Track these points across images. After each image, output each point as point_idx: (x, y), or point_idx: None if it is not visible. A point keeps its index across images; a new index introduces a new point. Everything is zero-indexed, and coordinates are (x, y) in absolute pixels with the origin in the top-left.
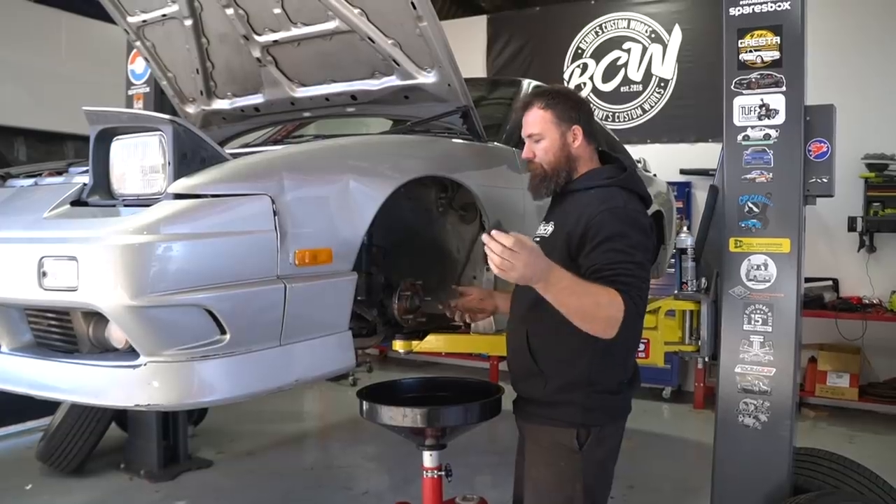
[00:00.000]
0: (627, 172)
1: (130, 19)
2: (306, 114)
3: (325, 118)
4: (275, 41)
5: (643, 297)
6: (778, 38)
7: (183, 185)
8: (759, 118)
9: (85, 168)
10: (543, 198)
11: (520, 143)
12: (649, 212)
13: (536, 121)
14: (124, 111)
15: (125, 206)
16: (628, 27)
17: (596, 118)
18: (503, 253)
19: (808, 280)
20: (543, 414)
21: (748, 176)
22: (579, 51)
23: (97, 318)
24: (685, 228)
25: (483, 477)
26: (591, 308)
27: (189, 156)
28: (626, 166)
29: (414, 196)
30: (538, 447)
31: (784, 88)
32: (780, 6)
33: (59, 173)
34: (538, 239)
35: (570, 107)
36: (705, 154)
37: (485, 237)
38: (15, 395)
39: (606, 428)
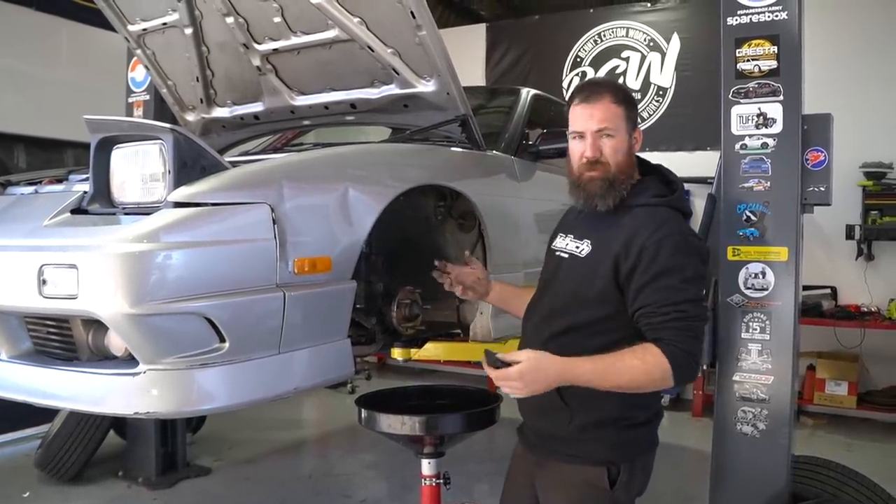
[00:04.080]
0: (678, 192)
1: (131, 27)
2: (306, 122)
3: (325, 126)
4: (274, 50)
5: (698, 336)
6: (775, 48)
7: (183, 193)
8: (757, 127)
9: (85, 176)
10: (606, 208)
11: (518, 152)
12: None
13: (610, 115)
14: (125, 120)
15: (125, 214)
16: (627, 36)
17: None
18: (501, 384)
19: (806, 288)
20: (567, 451)
21: (746, 184)
22: (578, 59)
23: (97, 325)
24: None
25: (481, 485)
26: (627, 384)
27: (189, 164)
28: (671, 180)
29: (413, 204)
30: (562, 485)
31: (781, 98)
32: (777, 16)
33: (60, 181)
34: (566, 255)
35: (635, 108)
36: (703, 162)
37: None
38: (13, 402)
39: (638, 462)
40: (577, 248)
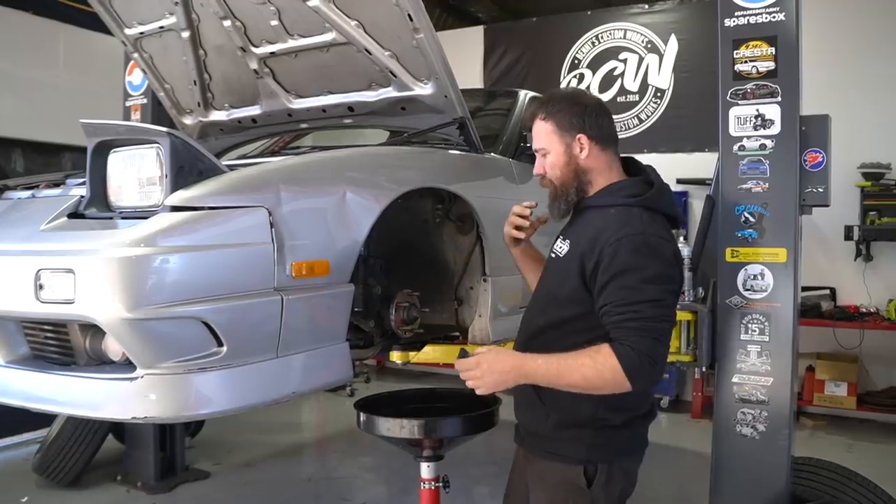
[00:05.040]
0: (654, 189)
1: (128, 31)
2: (303, 125)
3: (322, 130)
4: (272, 53)
5: (657, 336)
6: (773, 49)
7: (180, 197)
8: (755, 128)
9: (82, 180)
10: (560, 217)
11: (517, 154)
12: None
13: (540, 133)
14: (121, 123)
15: (122, 218)
16: (624, 37)
17: None
18: (464, 376)
19: (805, 289)
20: (546, 448)
21: (744, 186)
22: (576, 61)
23: (94, 330)
24: (682, 238)
25: (481, 488)
26: (581, 383)
27: (186, 168)
28: (653, 181)
29: (411, 207)
30: (543, 482)
31: (779, 99)
32: (774, 17)
33: (57, 185)
34: (553, 256)
35: (573, 113)
36: (702, 164)
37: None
38: (11, 407)
39: (617, 463)
40: (560, 248)
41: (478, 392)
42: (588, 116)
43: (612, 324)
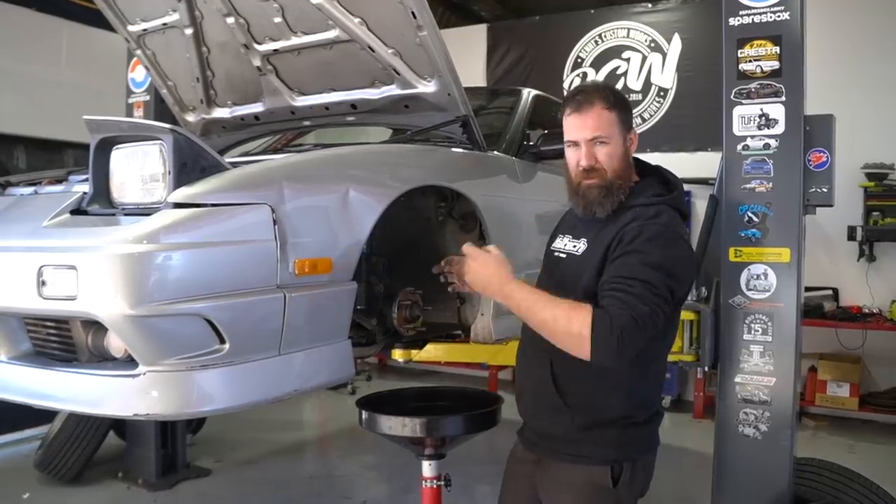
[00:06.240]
0: (677, 191)
1: (131, 28)
2: (306, 123)
3: (325, 127)
4: (275, 50)
5: (639, 318)
6: (777, 48)
7: (183, 194)
8: (759, 128)
9: (85, 177)
10: (602, 215)
11: (520, 152)
12: None
13: (603, 122)
14: (124, 120)
15: (125, 214)
16: (628, 36)
17: None
18: (465, 263)
19: (808, 289)
20: (569, 451)
21: (748, 186)
22: (579, 60)
23: (96, 327)
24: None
25: (482, 486)
26: (550, 322)
27: (189, 165)
28: (670, 180)
29: (414, 205)
30: (566, 485)
31: (784, 98)
32: (779, 16)
33: (59, 182)
34: (564, 255)
35: (628, 109)
36: (705, 163)
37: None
38: (13, 403)
39: (640, 461)
40: (575, 247)
41: (461, 281)
42: (632, 117)
43: (602, 293)
